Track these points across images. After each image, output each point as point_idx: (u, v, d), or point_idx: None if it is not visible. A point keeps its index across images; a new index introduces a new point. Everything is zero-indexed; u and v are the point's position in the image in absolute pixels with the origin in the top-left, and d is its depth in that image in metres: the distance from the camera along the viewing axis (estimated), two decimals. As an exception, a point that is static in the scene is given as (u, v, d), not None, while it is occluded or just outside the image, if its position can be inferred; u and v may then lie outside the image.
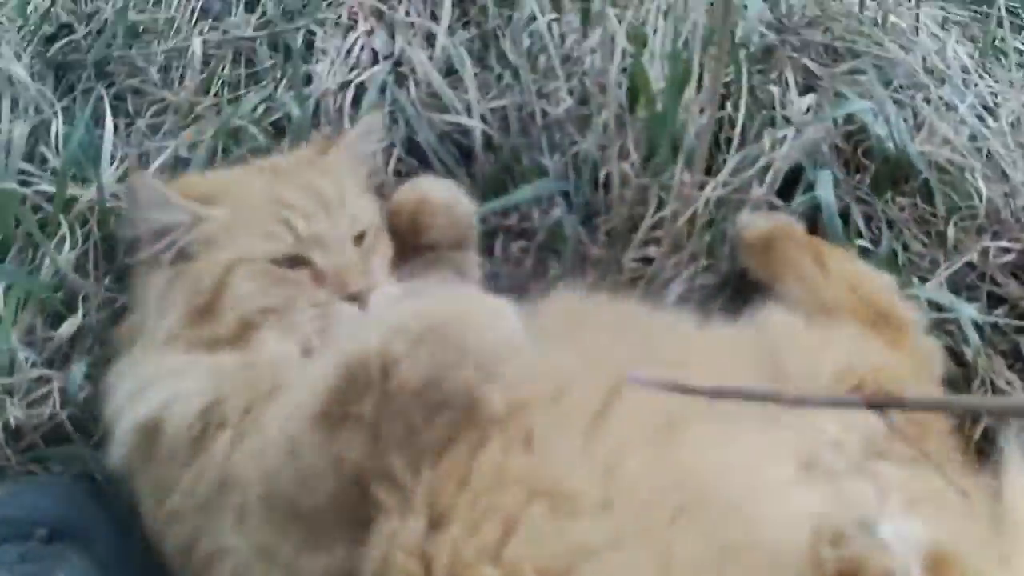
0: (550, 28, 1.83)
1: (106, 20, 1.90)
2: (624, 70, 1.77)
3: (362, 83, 1.82)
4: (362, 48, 1.87)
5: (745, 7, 1.95)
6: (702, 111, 1.64)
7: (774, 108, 1.83)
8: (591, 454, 1.10)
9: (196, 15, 1.93)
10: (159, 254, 1.34)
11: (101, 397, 1.37)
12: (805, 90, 1.88)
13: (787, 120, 1.80)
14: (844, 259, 1.56)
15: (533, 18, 1.85)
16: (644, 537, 1.03)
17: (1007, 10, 2.22)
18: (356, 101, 1.81)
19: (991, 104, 1.85)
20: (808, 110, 1.83)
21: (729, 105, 1.78)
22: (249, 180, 1.43)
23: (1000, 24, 2.10)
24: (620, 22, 1.84)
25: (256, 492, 1.14)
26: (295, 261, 1.32)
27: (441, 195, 1.51)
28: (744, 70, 1.80)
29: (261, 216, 1.35)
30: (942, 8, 2.20)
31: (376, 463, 1.09)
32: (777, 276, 1.56)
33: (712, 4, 1.81)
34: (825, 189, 1.68)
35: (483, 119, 1.76)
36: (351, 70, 1.84)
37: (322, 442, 1.08)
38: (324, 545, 1.12)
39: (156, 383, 1.27)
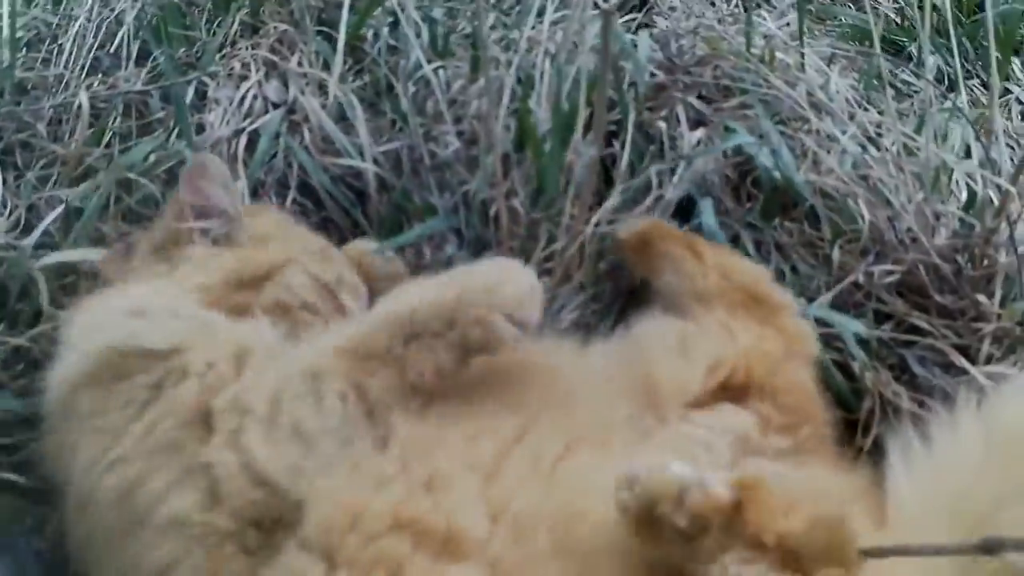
0: (436, 74, 1.88)
1: (-8, 78, 1.91)
2: (515, 112, 1.80)
3: (255, 130, 1.85)
4: (255, 97, 1.89)
5: (635, 47, 2.00)
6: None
7: (663, 143, 1.88)
8: (487, 496, 1.12)
9: (86, 70, 1.95)
10: (197, 231, 1.43)
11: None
12: (695, 125, 1.92)
13: (677, 154, 1.84)
14: (718, 250, 1.62)
15: (420, 66, 1.89)
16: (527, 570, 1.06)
17: (888, 43, 2.30)
18: (250, 148, 1.83)
19: (873, 134, 1.89)
20: (698, 144, 1.87)
21: (617, 143, 1.83)
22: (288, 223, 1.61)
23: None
24: (509, 67, 1.87)
25: (261, 412, 1.16)
26: (326, 289, 1.45)
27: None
28: (632, 108, 1.84)
29: (312, 244, 1.53)
30: (829, 45, 2.26)
31: (393, 398, 1.18)
32: (655, 270, 1.60)
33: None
34: (708, 216, 1.74)
35: (375, 162, 1.80)
36: (244, 118, 1.87)
37: (348, 370, 1.17)
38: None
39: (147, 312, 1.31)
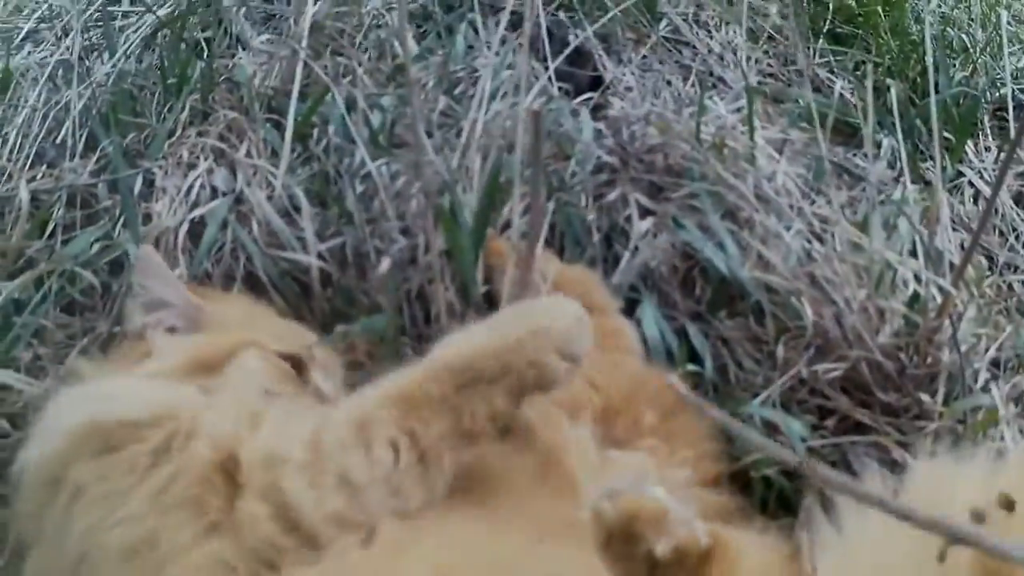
0: (380, 171, 1.87)
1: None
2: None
3: (202, 220, 1.85)
4: (202, 186, 1.89)
5: (580, 131, 2.02)
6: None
7: (611, 232, 1.90)
8: None
9: (30, 161, 1.95)
10: (151, 327, 1.43)
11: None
12: (644, 214, 1.92)
13: (625, 243, 1.88)
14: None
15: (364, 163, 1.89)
16: None
17: (843, 124, 2.31)
18: (197, 237, 1.83)
19: (819, 230, 1.90)
20: (646, 234, 1.88)
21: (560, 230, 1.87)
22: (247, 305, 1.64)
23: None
24: (463, 153, 1.88)
25: (301, 460, 1.15)
26: (294, 362, 1.43)
27: None
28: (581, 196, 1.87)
29: (271, 323, 1.55)
30: (781, 131, 2.26)
31: (447, 445, 1.18)
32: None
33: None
34: (648, 323, 1.75)
35: (321, 257, 1.80)
36: (192, 207, 1.87)
37: (399, 418, 1.16)
38: None
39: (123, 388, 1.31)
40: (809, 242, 1.86)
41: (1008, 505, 0.88)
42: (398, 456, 1.15)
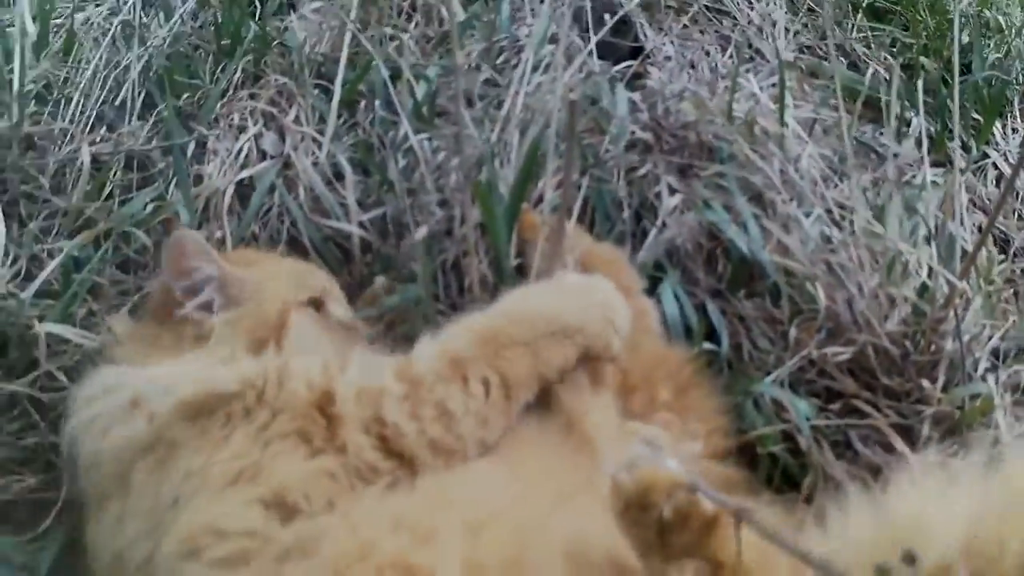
0: (422, 145, 1.95)
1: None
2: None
3: (250, 181, 1.95)
4: (252, 149, 1.99)
5: (616, 106, 2.09)
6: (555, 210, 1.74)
7: (641, 208, 1.98)
8: (470, 556, 1.19)
9: (90, 123, 2.04)
10: (198, 309, 1.47)
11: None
12: (674, 191, 1.99)
13: (653, 218, 1.95)
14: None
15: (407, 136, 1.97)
16: None
17: (875, 101, 2.34)
18: (244, 200, 1.94)
19: (838, 217, 1.95)
20: (674, 210, 1.94)
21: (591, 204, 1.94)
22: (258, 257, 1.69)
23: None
24: (504, 126, 1.96)
25: (399, 391, 1.31)
26: (317, 304, 1.56)
27: None
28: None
29: (286, 271, 1.62)
30: (813, 111, 2.30)
31: (526, 385, 1.36)
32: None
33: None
34: (669, 301, 1.81)
35: (362, 226, 1.89)
36: (241, 169, 1.97)
37: (489, 356, 1.33)
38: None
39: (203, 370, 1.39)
40: (828, 227, 1.92)
41: (910, 560, 0.95)
42: (488, 391, 1.32)
